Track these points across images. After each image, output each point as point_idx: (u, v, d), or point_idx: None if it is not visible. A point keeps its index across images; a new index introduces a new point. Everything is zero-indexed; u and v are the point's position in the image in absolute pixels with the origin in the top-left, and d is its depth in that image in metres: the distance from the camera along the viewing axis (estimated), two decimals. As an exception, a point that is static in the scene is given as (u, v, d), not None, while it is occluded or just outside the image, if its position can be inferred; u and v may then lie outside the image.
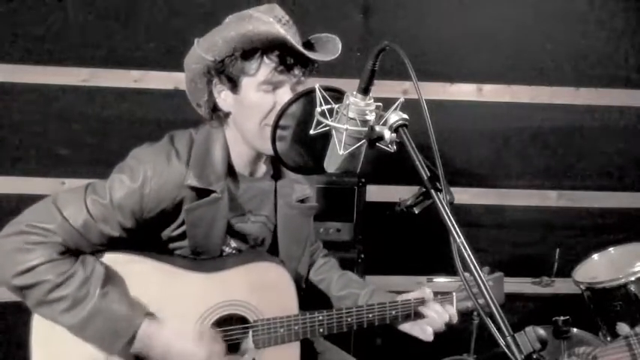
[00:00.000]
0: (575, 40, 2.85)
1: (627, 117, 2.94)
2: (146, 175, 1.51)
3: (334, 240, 2.49)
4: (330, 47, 1.57)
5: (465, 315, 1.82)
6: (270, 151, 1.48)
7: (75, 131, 2.73)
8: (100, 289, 1.48)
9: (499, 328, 1.00)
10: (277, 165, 1.74)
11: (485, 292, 1.02)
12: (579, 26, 2.84)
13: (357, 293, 1.83)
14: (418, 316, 1.74)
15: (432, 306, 1.72)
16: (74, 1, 2.64)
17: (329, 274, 1.94)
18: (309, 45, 1.58)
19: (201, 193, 1.57)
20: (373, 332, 2.76)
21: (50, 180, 2.72)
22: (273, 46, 1.48)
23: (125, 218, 1.52)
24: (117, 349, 1.51)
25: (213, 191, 1.58)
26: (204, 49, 1.52)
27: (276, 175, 1.75)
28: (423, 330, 1.74)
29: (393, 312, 1.72)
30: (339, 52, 1.55)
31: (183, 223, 1.60)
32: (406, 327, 1.77)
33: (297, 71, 1.52)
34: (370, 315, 1.70)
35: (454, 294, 1.78)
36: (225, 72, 1.53)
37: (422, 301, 1.74)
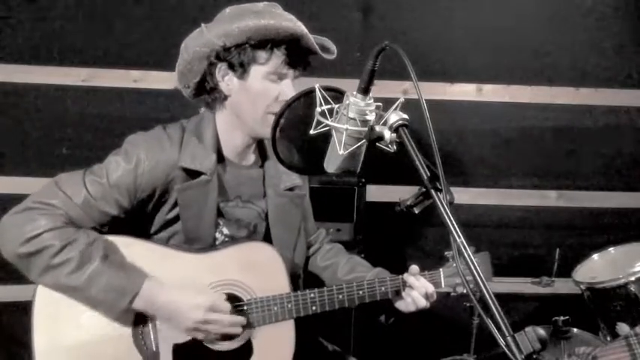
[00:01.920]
0: (575, 40, 2.85)
1: (627, 117, 2.94)
2: (139, 157, 1.61)
3: (334, 240, 2.48)
4: (326, 47, 1.69)
5: (453, 291, 1.82)
6: (268, 135, 1.55)
7: (75, 131, 2.73)
8: (102, 252, 1.57)
9: (499, 328, 1.00)
10: (265, 156, 1.82)
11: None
12: (579, 26, 2.84)
13: (363, 277, 1.85)
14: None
15: (415, 278, 1.76)
16: (74, 1, 2.64)
17: (336, 259, 1.98)
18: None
19: (191, 174, 1.65)
20: (373, 332, 2.76)
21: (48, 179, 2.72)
22: (283, 41, 1.59)
23: (122, 196, 1.61)
24: (121, 307, 1.56)
25: (203, 173, 1.66)
26: (217, 35, 1.60)
27: (264, 165, 1.82)
28: (406, 303, 1.77)
29: (382, 288, 1.77)
30: (335, 53, 1.69)
31: (175, 205, 1.66)
32: (396, 303, 1.81)
33: (300, 66, 1.65)
34: (360, 292, 1.76)
35: (441, 270, 1.81)
36: (235, 58, 1.61)
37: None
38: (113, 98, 2.73)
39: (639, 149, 2.97)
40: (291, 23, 1.58)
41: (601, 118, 2.93)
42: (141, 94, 2.72)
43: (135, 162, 1.61)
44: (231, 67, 1.63)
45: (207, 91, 1.70)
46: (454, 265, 1.76)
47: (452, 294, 1.84)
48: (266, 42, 1.59)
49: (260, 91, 1.63)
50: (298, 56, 1.63)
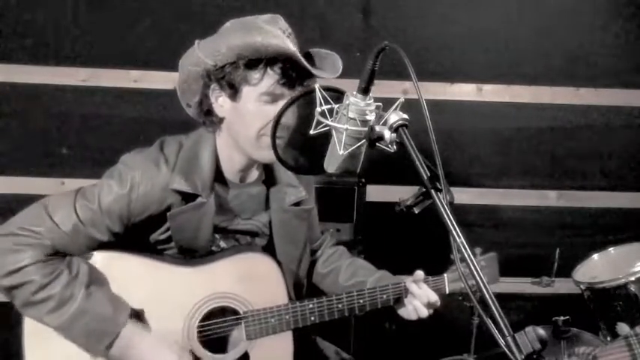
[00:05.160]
0: (575, 40, 2.85)
1: (627, 117, 2.94)
2: (134, 180, 1.54)
3: (336, 242, 2.49)
4: (330, 63, 1.58)
5: (459, 295, 1.82)
6: (264, 159, 1.58)
7: (75, 131, 2.73)
8: (84, 289, 1.51)
9: (499, 328, 1.00)
10: (269, 170, 1.75)
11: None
12: (579, 26, 2.84)
13: (365, 281, 1.83)
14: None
15: (418, 286, 1.73)
16: (74, 0, 2.64)
17: (337, 264, 1.94)
18: (308, 57, 1.59)
19: (187, 197, 1.59)
20: (373, 332, 2.75)
21: (50, 180, 2.72)
22: (277, 59, 1.49)
23: (113, 223, 1.55)
24: (99, 350, 1.54)
25: (198, 196, 1.59)
26: (206, 54, 1.52)
27: (268, 181, 1.76)
28: (408, 312, 1.75)
29: (384, 296, 1.73)
30: (340, 70, 1.56)
31: (169, 229, 1.62)
32: (399, 310, 1.79)
33: (298, 86, 1.53)
34: (361, 300, 1.72)
35: (445, 275, 1.79)
36: (226, 78, 1.53)
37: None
38: (113, 98, 2.73)
39: (639, 149, 2.96)
40: (279, 40, 1.46)
41: (601, 118, 2.93)
42: (141, 94, 2.72)
43: (129, 186, 1.54)
44: (223, 87, 1.54)
45: (204, 113, 1.62)
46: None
47: (458, 298, 1.83)
48: (258, 61, 1.49)
49: (253, 114, 1.54)
50: (298, 72, 1.51)
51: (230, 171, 1.67)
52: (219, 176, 1.65)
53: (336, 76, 1.55)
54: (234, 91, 1.53)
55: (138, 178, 1.54)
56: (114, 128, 2.73)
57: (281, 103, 1.51)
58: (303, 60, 1.49)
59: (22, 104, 2.70)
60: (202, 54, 1.53)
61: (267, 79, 1.51)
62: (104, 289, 1.57)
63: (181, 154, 1.60)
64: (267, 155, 1.50)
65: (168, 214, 1.59)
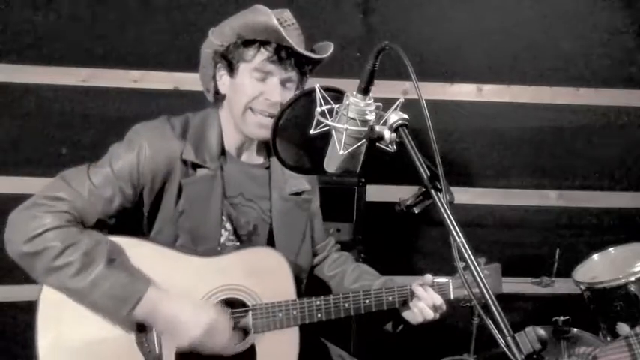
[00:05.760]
0: (575, 40, 2.85)
1: (627, 117, 2.94)
2: (142, 145, 1.64)
3: (336, 242, 2.49)
4: (322, 49, 1.71)
5: (463, 301, 1.82)
6: (252, 136, 1.70)
7: (75, 131, 2.73)
8: (106, 256, 1.56)
9: (499, 328, 1.00)
10: (272, 157, 1.81)
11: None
12: (579, 26, 2.84)
13: (370, 285, 1.85)
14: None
15: (423, 288, 1.74)
16: (74, 0, 2.64)
17: (343, 267, 1.98)
18: (311, 51, 1.70)
19: (193, 167, 1.68)
20: (374, 332, 2.76)
21: (50, 180, 2.72)
22: (271, 39, 1.61)
23: (125, 183, 1.63)
24: (122, 314, 1.55)
25: (205, 167, 1.68)
26: (215, 36, 1.68)
27: (272, 169, 1.82)
28: (413, 314, 1.75)
29: (390, 298, 1.75)
30: (329, 53, 1.69)
31: (178, 199, 1.67)
32: (404, 313, 1.79)
33: (288, 66, 1.64)
34: (367, 300, 1.74)
35: (450, 281, 1.79)
36: (228, 57, 1.67)
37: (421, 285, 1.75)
38: (113, 98, 2.72)
39: (639, 149, 2.96)
40: (267, 17, 1.58)
41: (601, 118, 2.93)
42: (141, 94, 2.72)
43: (137, 150, 1.63)
44: (225, 65, 1.69)
45: (216, 93, 1.75)
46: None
47: (462, 304, 1.83)
48: (255, 40, 1.62)
49: (243, 87, 1.66)
50: (289, 54, 1.62)
51: (231, 146, 1.76)
52: (222, 150, 1.74)
53: (324, 56, 1.69)
54: (232, 68, 1.67)
55: (145, 143, 1.64)
56: (114, 128, 2.72)
57: (270, 82, 1.65)
58: (286, 36, 1.59)
59: (22, 104, 2.69)
60: (213, 37, 1.68)
61: (259, 56, 1.64)
62: (124, 259, 1.62)
63: (191, 127, 1.71)
64: (254, 131, 1.69)
65: (182, 181, 1.66)
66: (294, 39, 1.62)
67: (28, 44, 2.65)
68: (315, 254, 1.97)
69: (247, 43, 1.63)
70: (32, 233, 1.52)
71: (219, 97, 1.75)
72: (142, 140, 1.65)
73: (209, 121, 1.75)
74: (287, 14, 1.66)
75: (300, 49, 1.63)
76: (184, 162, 1.66)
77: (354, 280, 1.92)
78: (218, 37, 1.67)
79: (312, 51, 1.71)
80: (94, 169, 1.64)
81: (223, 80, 1.72)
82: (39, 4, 2.62)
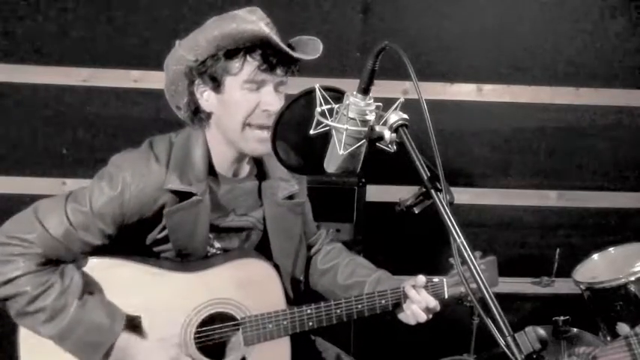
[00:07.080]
0: (575, 40, 2.85)
1: (627, 117, 2.94)
2: (125, 181, 1.52)
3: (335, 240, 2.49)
4: (310, 47, 1.57)
5: (458, 300, 1.81)
6: (252, 152, 1.58)
7: (75, 131, 2.73)
8: (78, 299, 1.50)
9: (499, 328, 1.00)
10: (261, 164, 1.75)
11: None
12: (579, 26, 2.84)
13: (364, 281, 1.82)
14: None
15: (416, 291, 1.71)
16: (75, 1, 2.64)
17: (336, 261, 1.93)
18: (289, 47, 1.57)
19: (182, 195, 1.57)
20: (373, 332, 2.76)
21: (50, 180, 2.72)
22: (256, 46, 1.49)
23: (106, 225, 1.53)
24: (96, 359, 1.53)
25: (194, 194, 1.58)
26: (186, 50, 1.53)
27: (260, 175, 1.75)
28: (406, 316, 1.73)
29: (383, 301, 1.72)
30: (320, 52, 1.56)
31: (165, 227, 1.60)
32: (398, 315, 1.77)
33: (279, 71, 1.53)
34: (359, 306, 1.71)
35: (445, 280, 1.77)
36: (208, 72, 1.53)
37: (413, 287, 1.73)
38: (113, 98, 2.72)
39: (639, 149, 2.96)
40: (253, 25, 1.46)
41: (601, 118, 2.93)
42: (141, 94, 2.72)
43: (121, 187, 1.52)
44: (207, 81, 1.54)
45: (193, 112, 1.61)
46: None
47: (461, 303, 1.82)
48: (237, 50, 1.49)
49: (237, 103, 1.53)
50: (278, 58, 1.50)
51: (222, 166, 1.66)
52: (211, 172, 1.64)
53: (315, 57, 1.55)
54: (217, 84, 1.53)
55: (129, 179, 1.52)
56: (114, 128, 2.73)
57: (265, 91, 1.53)
58: (279, 42, 1.48)
59: (22, 104, 2.69)
60: (183, 51, 1.53)
61: (248, 67, 1.51)
62: (98, 297, 1.56)
63: (173, 152, 1.59)
64: (255, 147, 1.57)
65: (164, 211, 1.57)
66: (278, 39, 1.50)
67: (29, 44, 2.65)
68: (308, 248, 1.94)
69: (230, 54, 1.49)
70: (2, 279, 1.46)
71: (201, 117, 1.61)
72: (125, 175, 1.52)
73: (192, 141, 1.62)
74: (260, 12, 1.52)
75: (290, 50, 1.52)
76: (172, 192, 1.56)
77: (348, 275, 1.86)
78: (190, 51, 1.51)
79: (292, 47, 1.57)
80: (72, 204, 1.51)
81: (206, 97, 1.57)
82: (39, 5, 2.62)
